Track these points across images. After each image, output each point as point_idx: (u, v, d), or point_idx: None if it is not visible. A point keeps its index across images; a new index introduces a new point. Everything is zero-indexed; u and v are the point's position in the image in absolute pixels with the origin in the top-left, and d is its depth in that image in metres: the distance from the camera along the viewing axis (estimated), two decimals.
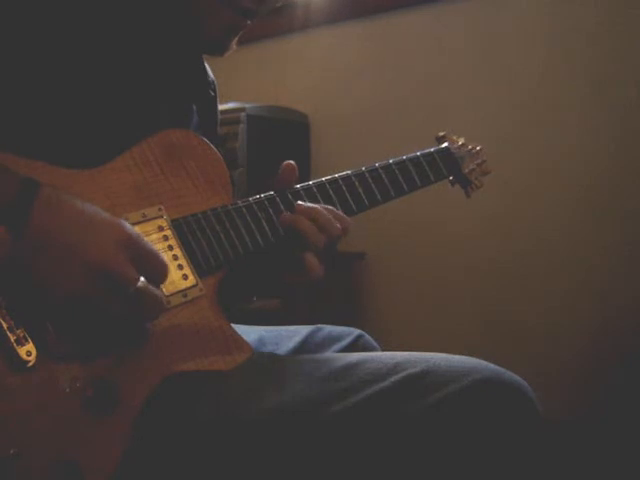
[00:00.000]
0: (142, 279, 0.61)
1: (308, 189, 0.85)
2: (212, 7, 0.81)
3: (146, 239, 0.64)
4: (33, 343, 0.60)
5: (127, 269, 0.60)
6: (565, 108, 1.87)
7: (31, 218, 0.58)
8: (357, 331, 1.02)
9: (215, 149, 0.81)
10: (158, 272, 0.64)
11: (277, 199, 0.83)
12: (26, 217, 0.58)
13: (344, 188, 0.88)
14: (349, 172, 0.89)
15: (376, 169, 0.91)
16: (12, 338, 0.59)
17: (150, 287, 0.62)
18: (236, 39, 0.86)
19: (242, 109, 2.08)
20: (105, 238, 0.60)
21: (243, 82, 2.30)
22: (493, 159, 1.10)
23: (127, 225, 0.63)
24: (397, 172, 0.93)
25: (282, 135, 2.26)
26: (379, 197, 0.91)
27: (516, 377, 0.72)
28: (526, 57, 1.92)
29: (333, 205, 0.86)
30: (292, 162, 0.84)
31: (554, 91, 1.88)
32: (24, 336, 0.60)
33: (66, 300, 0.59)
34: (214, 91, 0.95)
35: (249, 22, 0.84)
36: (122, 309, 0.61)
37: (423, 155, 0.98)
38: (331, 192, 0.87)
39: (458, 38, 2.03)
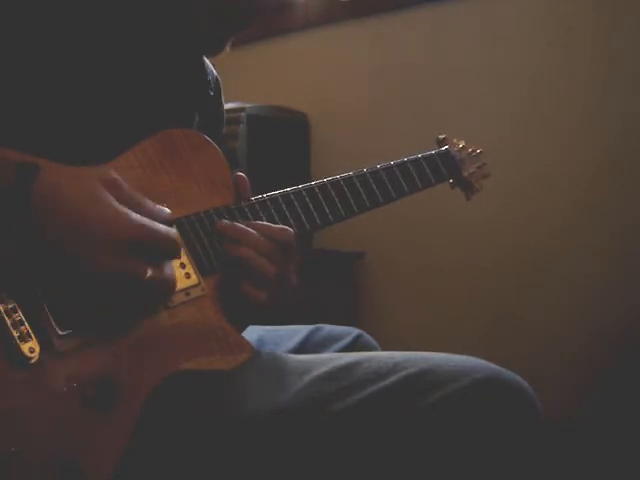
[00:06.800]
0: (149, 270, 0.62)
1: (310, 190, 0.85)
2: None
3: (149, 221, 0.64)
4: (36, 340, 0.60)
5: (134, 264, 0.62)
6: (565, 108, 1.87)
7: (33, 196, 0.58)
8: (357, 331, 1.02)
9: (217, 148, 0.81)
10: (168, 250, 0.65)
11: (279, 199, 0.83)
12: (28, 197, 0.58)
13: (345, 189, 0.88)
14: (351, 173, 0.90)
15: (377, 170, 0.92)
16: (15, 334, 0.59)
17: (158, 274, 0.64)
18: (230, 42, 0.86)
19: (242, 109, 2.08)
20: (106, 240, 0.61)
21: (243, 82, 2.30)
22: (493, 159, 1.11)
23: (126, 212, 0.63)
24: (398, 174, 0.93)
25: (282, 135, 2.26)
26: (380, 198, 0.91)
27: (516, 377, 0.72)
28: (526, 57, 1.92)
29: (334, 205, 0.86)
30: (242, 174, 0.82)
31: (554, 91, 1.88)
32: (27, 332, 0.60)
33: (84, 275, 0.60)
34: (214, 90, 0.95)
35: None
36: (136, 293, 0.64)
37: (424, 157, 0.98)
38: (333, 193, 0.87)
39: (458, 38, 2.03)
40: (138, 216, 0.63)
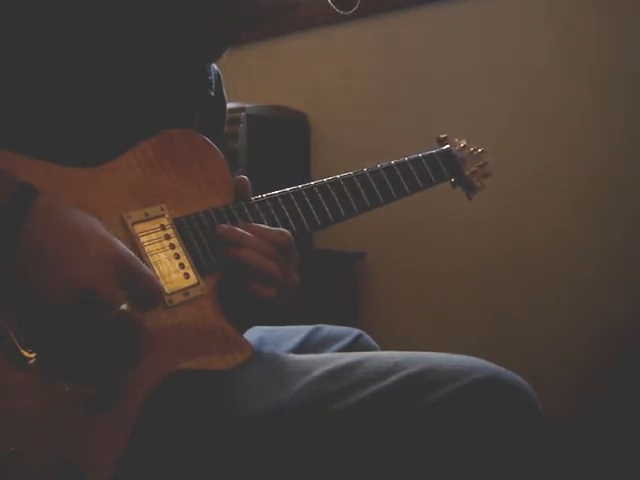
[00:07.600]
0: (125, 304, 0.61)
1: (310, 190, 0.85)
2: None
3: (140, 261, 0.64)
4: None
5: (112, 290, 0.60)
6: (565, 108, 1.87)
7: (24, 225, 0.58)
8: (357, 331, 1.02)
9: (217, 148, 0.81)
10: (148, 296, 0.63)
11: (279, 199, 0.83)
12: (20, 223, 0.58)
13: (345, 189, 0.88)
14: (351, 173, 0.89)
15: (378, 170, 0.92)
16: (14, 335, 0.59)
17: (133, 313, 0.62)
18: (229, 49, 0.86)
19: (242, 109, 2.07)
20: (95, 256, 0.60)
21: (243, 82, 2.29)
22: (493, 159, 1.11)
23: (120, 245, 0.62)
24: (399, 173, 0.93)
25: (282, 135, 2.25)
26: (380, 198, 0.91)
27: (516, 376, 0.72)
28: (526, 57, 1.92)
29: (334, 205, 0.86)
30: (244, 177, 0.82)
31: (554, 91, 1.88)
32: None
33: (49, 312, 0.58)
34: (215, 89, 0.95)
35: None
36: (103, 329, 0.61)
37: (424, 157, 0.98)
38: (333, 193, 0.87)
39: (458, 38, 2.03)
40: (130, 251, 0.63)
